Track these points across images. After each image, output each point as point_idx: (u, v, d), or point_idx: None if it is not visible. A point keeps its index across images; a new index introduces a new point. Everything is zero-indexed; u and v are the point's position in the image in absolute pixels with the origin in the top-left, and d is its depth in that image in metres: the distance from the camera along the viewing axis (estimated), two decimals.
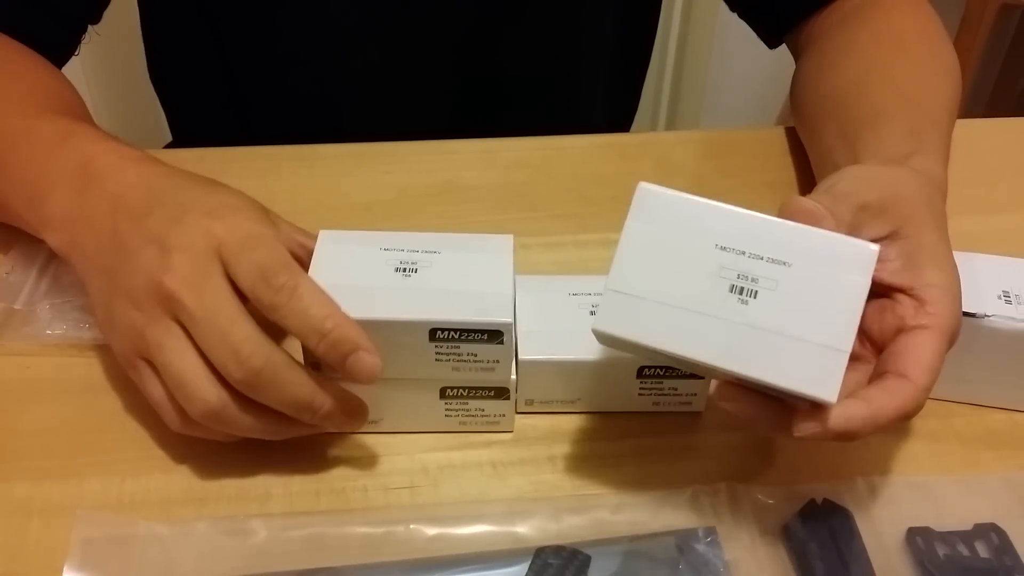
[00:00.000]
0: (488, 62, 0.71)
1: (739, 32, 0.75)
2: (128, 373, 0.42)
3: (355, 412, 0.42)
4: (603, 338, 0.37)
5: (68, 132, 0.47)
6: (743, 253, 0.35)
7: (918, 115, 0.53)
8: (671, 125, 1.47)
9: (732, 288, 0.35)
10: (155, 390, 0.40)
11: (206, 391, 0.39)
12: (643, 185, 0.37)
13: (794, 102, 0.66)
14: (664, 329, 0.35)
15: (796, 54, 0.69)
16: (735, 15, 0.72)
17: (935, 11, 0.64)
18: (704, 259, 0.36)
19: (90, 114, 0.55)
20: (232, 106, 0.71)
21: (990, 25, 1.33)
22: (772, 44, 0.71)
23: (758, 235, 0.36)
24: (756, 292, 0.35)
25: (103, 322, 0.43)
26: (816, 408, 0.35)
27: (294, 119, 0.72)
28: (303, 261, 0.42)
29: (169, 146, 0.81)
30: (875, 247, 0.36)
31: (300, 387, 0.39)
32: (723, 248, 0.36)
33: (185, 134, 0.79)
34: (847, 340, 0.35)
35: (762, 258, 0.35)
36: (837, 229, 0.37)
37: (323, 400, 0.40)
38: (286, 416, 0.40)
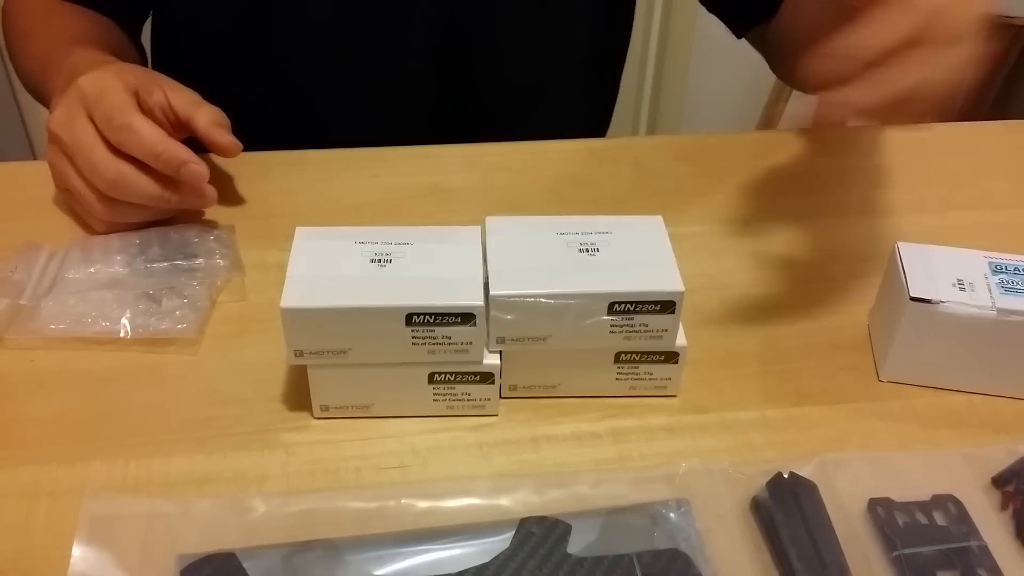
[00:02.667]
0: (464, 72, 0.74)
1: (717, 45, 0.78)
2: (60, 184, 0.57)
3: (200, 193, 0.55)
4: (501, 303, 0.44)
5: (70, 52, 0.63)
6: (576, 234, 0.48)
7: None
8: (651, 131, 1.50)
9: (580, 249, 0.47)
10: (76, 182, 0.55)
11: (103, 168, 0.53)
12: (489, 218, 0.49)
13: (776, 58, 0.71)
14: (553, 282, 0.45)
15: (762, 50, 0.74)
16: (713, 29, 0.76)
17: None
18: (554, 241, 0.47)
19: (113, 43, 0.70)
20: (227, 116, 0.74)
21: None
22: (739, 34, 0.75)
23: (579, 224, 0.48)
24: (596, 249, 0.47)
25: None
26: None
27: (284, 128, 0.74)
28: (168, 119, 0.57)
29: None
30: (659, 217, 0.49)
31: (148, 186, 0.54)
32: (561, 234, 0.48)
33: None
34: (670, 260, 0.46)
35: (590, 233, 0.48)
36: None
37: (170, 194, 0.54)
38: (171, 183, 0.54)
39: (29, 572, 0.40)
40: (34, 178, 0.62)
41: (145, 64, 0.78)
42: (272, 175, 0.65)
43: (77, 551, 0.40)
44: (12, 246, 0.56)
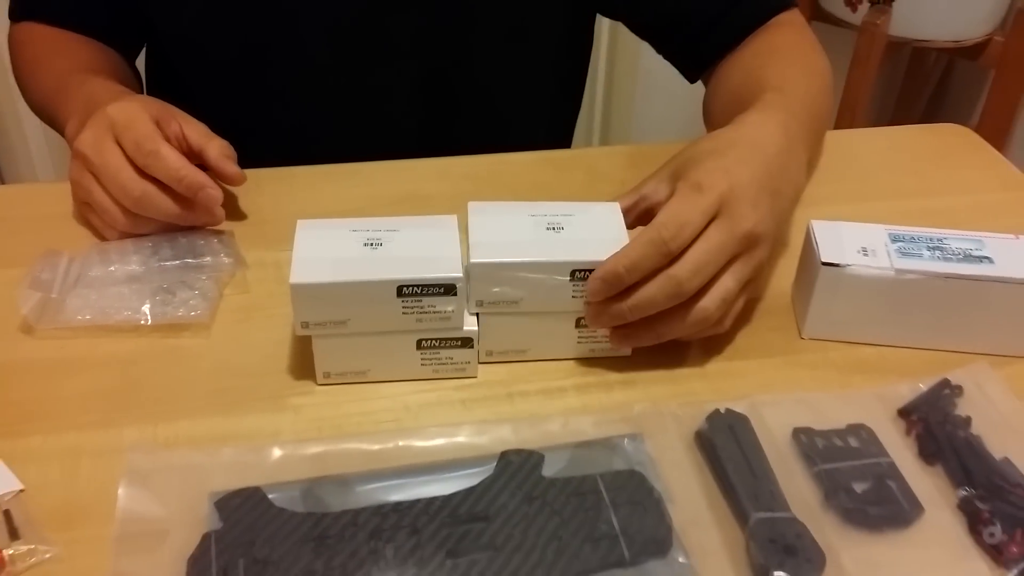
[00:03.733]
0: (444, 102, 0.82)
1: (661, 65, 0.87)
2: (80, 198, 0.65)
3: (211, 213, 0.64)
4: (480, 269, 0.52)
5: (86, 80, 0.71)
6: (545, 215, 0.56)
7: (770, 92, 0.65)
8: (604, 142, 1.61)
9: (547, 227, 0.55)
10: (100, 197, 0.62)
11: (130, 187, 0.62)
12: (472, 203, 0.57)
13: (705, 121, 0.78)
14: (524, 253, 0.53)
15: (706, 83, 0.82)
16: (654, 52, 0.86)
17: (816, 37, 0.77)
18: (526, 220, 0.56)
19: (119, 71, 0.80)
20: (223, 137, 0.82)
21: (878, 62, 1.50)
22: (692, 80, 0.84)
23: (547, 208, 0.57)
24: (562, 228, 0.55)
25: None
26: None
27: (274, 150, 0.82)
28: (182, 147, 0.64)
29: None
30: (616, 203, 0.59)
31: (168, 205, 0.62)
32: (532, 215, 0.56)
33: None
34: (624, 236, 0.55)
35: (556, 215, 0.56)
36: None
37: (186, 212, 0.63)
38: (187, 204, 0.62)
39: (77, 515, 0.47)
40: (46, 197, 0.69)
41: (141, 88, 0.87)
42: (264, 188, 0.72)
43: (123, 492, 0.46)
44: (35, 254, 0.62)
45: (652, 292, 0.52)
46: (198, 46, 0.80)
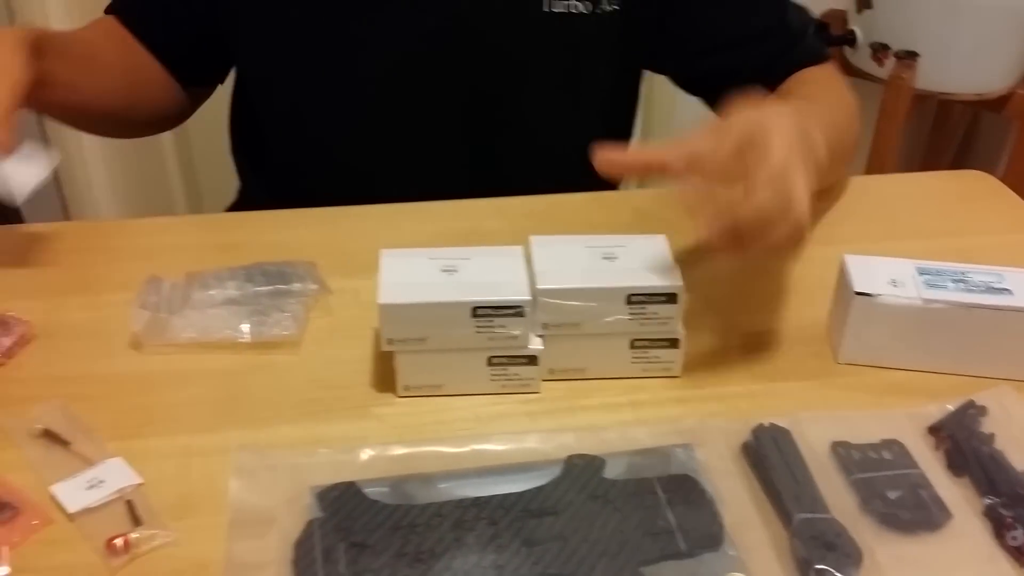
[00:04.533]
0: (491, 141, 0.89)
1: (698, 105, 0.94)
2: None
3: None
4: (545, 294, 0.59)
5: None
6: (600, 247, 0.63)
7: (796, 100, 0.72)
8: (645, 186, 1.68)
9: (603, 257, 0.62)
10: None
11: None
12: (533, 236, 0.63)
13: None
14: (584, 280, 0.60)
15: None
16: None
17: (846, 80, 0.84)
18: (583, 251, 0.62)
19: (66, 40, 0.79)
20: (292, 177, 0.90)
21: (905, 114, 1.56)
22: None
23: (601, 240, 0.63)
24: (616, 257, 0.62)
25: None
26: None
27: (337, 183, 0.89)
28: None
29: (237, 204, 0.99)
30: (663, 236, 0.65)
31: None
32: (589, 247, 0.63)
33: (253, 197, 0.97)
34: (672, 265, 0.62)
35: (611, 246, 0.63)
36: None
37: None
38: None
39: (190, 506, 0.53)
40: (140, 230, 0.76)
41: (180, 118, 0.92)
42: (341, 224, 0.79)
43: (233, 484, 0.52)
44: (133, 281, 0.69)
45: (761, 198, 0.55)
46: (271, 88, 0.87)
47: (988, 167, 1.66)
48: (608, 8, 0.83)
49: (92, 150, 1.59)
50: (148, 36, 0.85)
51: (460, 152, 0.89)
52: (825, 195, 0.83)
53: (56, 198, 1.64)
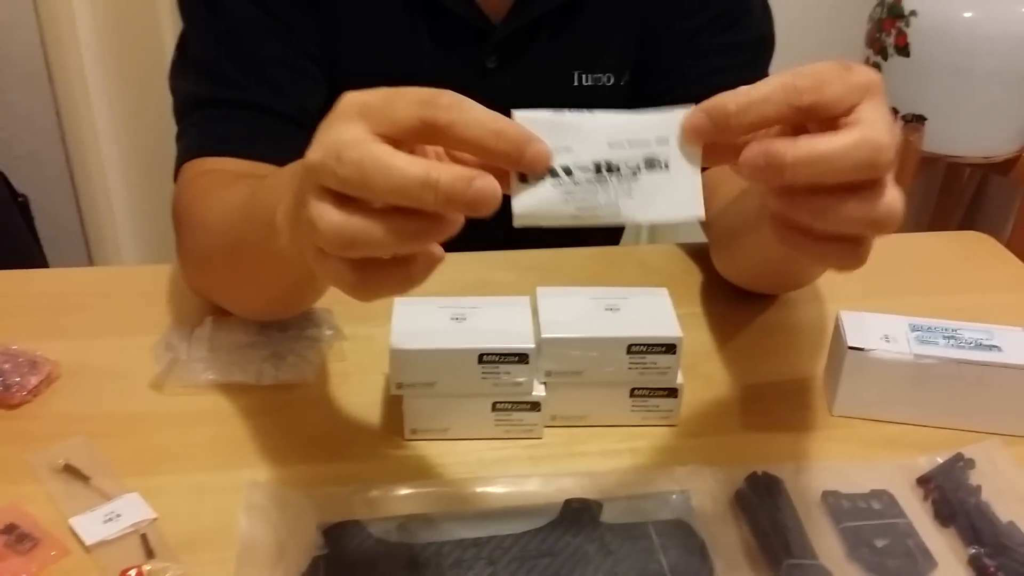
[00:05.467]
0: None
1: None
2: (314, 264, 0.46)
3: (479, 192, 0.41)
4: (550, 343, 0.60)
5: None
6: (603, 298, 0.65)
7: None
8: (651, 241, 1.72)
9: (606, 308, 0.64)
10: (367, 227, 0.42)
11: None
12: (539, 288, 0.66)
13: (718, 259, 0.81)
14: (587, 329, 0.62)
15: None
16: None
17: None
18: (587, 303, 0.64)
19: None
20: None
21: (913, 176, 1.59)
22: None
23: (605, 292, 0.66)
24: (618, 309, 0.64)
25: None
26: None
27: None
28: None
29: None
30: (664, 289, 0.66)
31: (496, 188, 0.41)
32: (592, 298, 0.65)
33: None
34: (672, 316, 0.63)
35: (613, 298, 0.65)
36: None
37: (439, 172, 0.40)
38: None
39: (202, 541, 0.55)
40: (163, 277, 0.80)
41: None
42: None
43: (243, 520, 0.55)
44: (160, 324, 0.73)
45: (838, 146, 0.41)
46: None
47: (996, 228, 1.68)
48: (626, 79, 0.88)
49: (118, 194, 1.65)
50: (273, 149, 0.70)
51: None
52: None
53: (81, 241, 1.69)
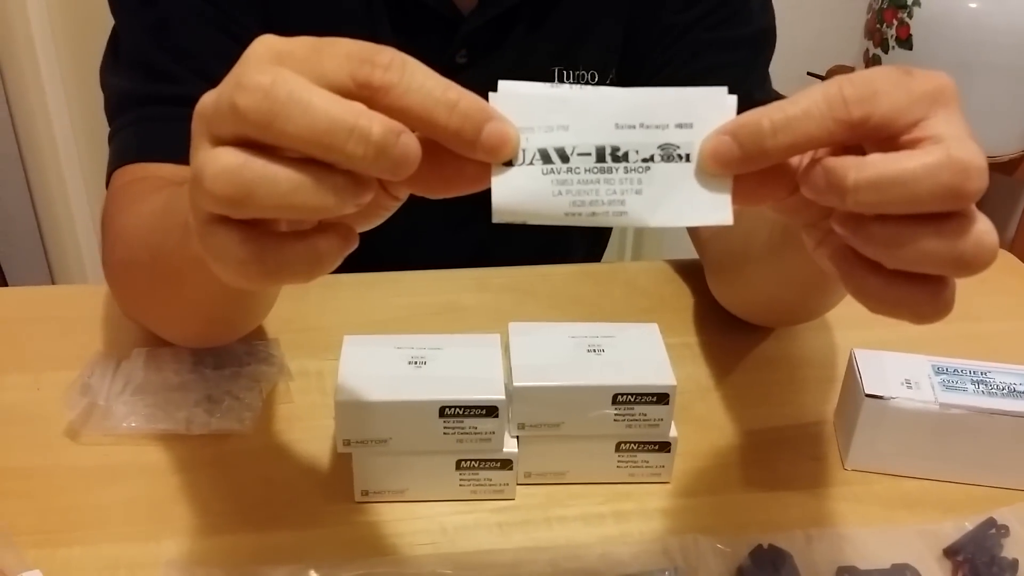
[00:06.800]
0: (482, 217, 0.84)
1: None
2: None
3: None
4: (522, 392, 0.52)
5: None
6: (585, 337, 0.57)
7: None
8: (636, 256, 1.63)
9: (588, 349, 0.56)
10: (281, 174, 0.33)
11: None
12: (512, 324, 0.57)
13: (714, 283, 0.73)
14: (566, 376, 0.54)
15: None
16: None
17: None
18: (567, 342, 0.56)
19: None
20: None
21: None
22: None
23: (587, 330, 0.57)
24: (602, 350, 0.56)
25: None
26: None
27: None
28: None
29: None
30: (655, 324, 0.58)
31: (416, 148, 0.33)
32: (573, 337, 0.57)
33: None
34: (664, 359, 0.55)
35: (597, 337, 0.57)
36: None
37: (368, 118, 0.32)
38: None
39: None
40: (91, 299, 0.70)
41: None
42: (309, 295, 0.73)
43: None
44: (85, 355, 0.64)
45: (916, 167, 0.33)
46: None
47: (999, 230, 1.60)
48: (612, 77, 0.80)
49: (80, 209, 1.54)
50: None
51: (442, 225, 0.83)
52: None
53: (42, 261, 1.59)
